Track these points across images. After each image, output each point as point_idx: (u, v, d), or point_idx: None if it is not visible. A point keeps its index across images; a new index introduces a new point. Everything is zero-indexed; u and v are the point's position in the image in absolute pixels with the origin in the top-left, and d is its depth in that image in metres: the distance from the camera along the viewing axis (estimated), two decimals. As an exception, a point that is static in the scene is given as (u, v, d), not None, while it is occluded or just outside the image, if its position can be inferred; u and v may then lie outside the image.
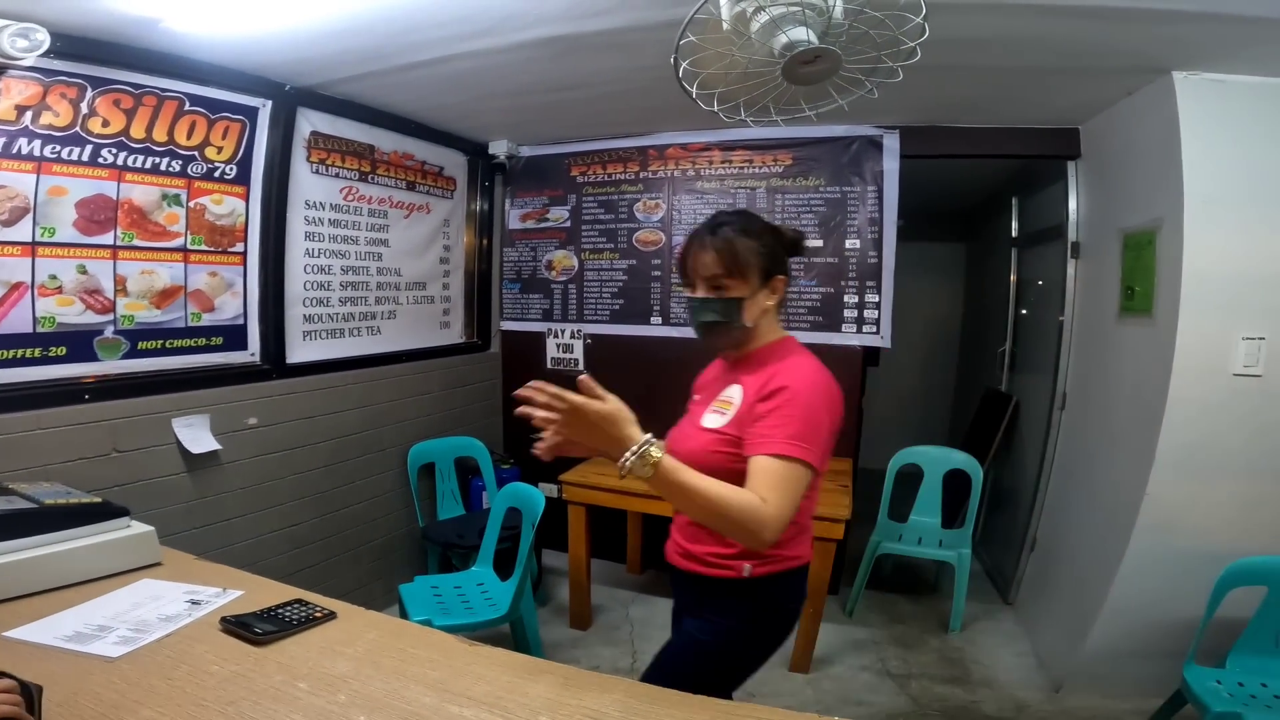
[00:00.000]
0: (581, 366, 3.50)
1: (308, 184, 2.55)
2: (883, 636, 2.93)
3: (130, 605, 1.34)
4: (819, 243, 3.04)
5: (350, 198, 2.73)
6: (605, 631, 2.96)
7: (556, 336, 3.57)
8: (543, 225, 3.55)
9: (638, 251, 3.35)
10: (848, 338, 3.06)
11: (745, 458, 1.16)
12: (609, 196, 3.39)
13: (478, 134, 3.31)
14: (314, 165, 2.57)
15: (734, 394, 1.27)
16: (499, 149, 3.35)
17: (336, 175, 2.67)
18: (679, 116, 2.92)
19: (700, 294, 1.26)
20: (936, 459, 3.16)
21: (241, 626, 1.21)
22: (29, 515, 1.39)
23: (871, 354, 3.25)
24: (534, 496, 2.40)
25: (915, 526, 3.18)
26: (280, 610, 1.28)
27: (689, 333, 3.23)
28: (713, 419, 1.27)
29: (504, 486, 2.58)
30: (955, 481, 3.15)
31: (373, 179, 2.84)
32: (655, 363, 3.30)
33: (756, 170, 3.12)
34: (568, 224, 3.48)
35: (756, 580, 1.29)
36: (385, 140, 2.87)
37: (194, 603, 1.35)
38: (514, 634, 2.40)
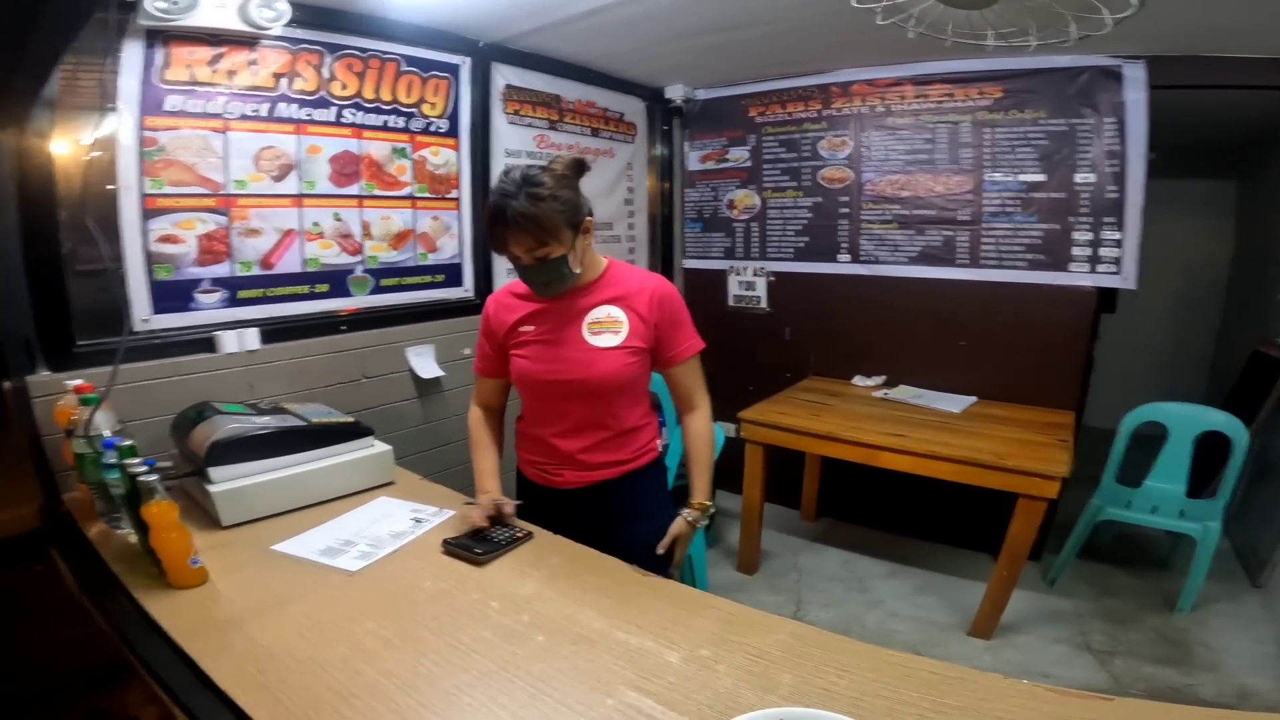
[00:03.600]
0: (765, 305, 3.49)
1: (506, 134, 2.76)
2: (1089, 609, 2.66)
3: (369, 521, 1.52)
4: (1040, 177, 2.75)
5: (543, 145, 2.93)
6: (771, 578, 2.96)
7: (739, 274, 3.56)
8: (722, 166, 3.56)
9: (823, 189, 3.25)
10: (1077, 277, 2.73)
11: (651, 362, 1.49)
12: (790, 135, 3.32)
13: (654, 79, 3.36)
14: (510, 116, 2.78)
15: (615, 313, 1.45)
16: (675, 93, 3.42)
17: (529, 125, 2.87)
18: (861, 52, 2.81)
19: (527, 263, 1.37)
20: (1187, 418, 2.72)
21: (462, 549, 1.34)
22: (301, 432, 1.62)
23: (1107, 299, 2.88)
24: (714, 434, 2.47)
25: (1150, 493, 2.77)
26: (490, 532, 1.40)
27: (882, 270, 3.18)
28: (607, 339, 1.44)
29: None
30: (1208, 446, 2.69)
31: (560, 127, 3.01)
32: (842, 300, 3.23)
33: (959, 104, 2.88)
34: (748, 164, 3.46)
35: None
36: (569, 90, 3.02)
37: (417, 520, 1.51)
38: (681, 573, 2.44)
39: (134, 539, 1.30)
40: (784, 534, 3.32)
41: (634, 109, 3.42)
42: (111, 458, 1.27)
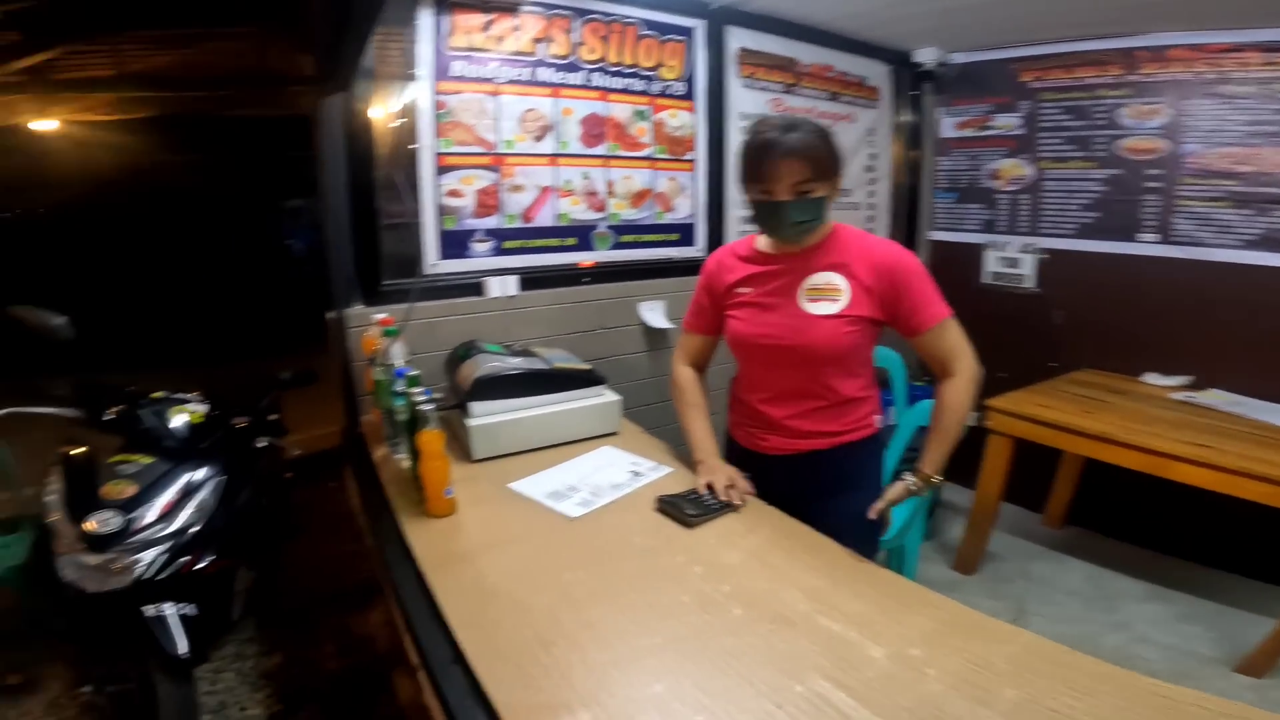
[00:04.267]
0: (1031, 284, 3.02)
1: (740, 97, 2.67)
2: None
3: (592, 469, 1.53)
4: None
5: (778, 109, 2.78)
6: (992, 582, 2.65)
7: (999, 250, 3.13)
8: (985, 133, 3.12)
9: (1124, 160, 2.69)
10: None
11: (876, 334, 1.41)
12: (1077, 102, 2.80)
13: (899, 42, 3.05)
14: (744, 80, 2.67)
15: (835, 280, 1.37)
16: (926, 57, 3.09)
17: (764, 89, 2.74)
18: (1174, 16, 2.38)
19: (784, 198, 1.30)
20: None
21: (674, 508, 1.30)
22: (546, 375, 1.69)
23: None
24: (922, 409, 2.16)
25: None
26: (701, 495, 1.36)
27: (1202, 254, 2.55)
28: (825, 306, 1.37)
29: (916, 404, 2.40)
30: None
31: (797, 91, 2.84)
32: (1139, 285, 2.70)
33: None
34: (1020, 131, 2.99)
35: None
36: (805, 53, 2.83)
37: (635, 474, 1.50)
38: (889, 560, 2.25)
39: (407, 465, 1.43)
40: (1017, 537, 2.93)
41: (877, 73, 3.12)
42: (400, 385, 1.39)
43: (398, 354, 1.53)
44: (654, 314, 2.56)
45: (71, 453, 1.75)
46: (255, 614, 2.33)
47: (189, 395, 1.93)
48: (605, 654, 0.92)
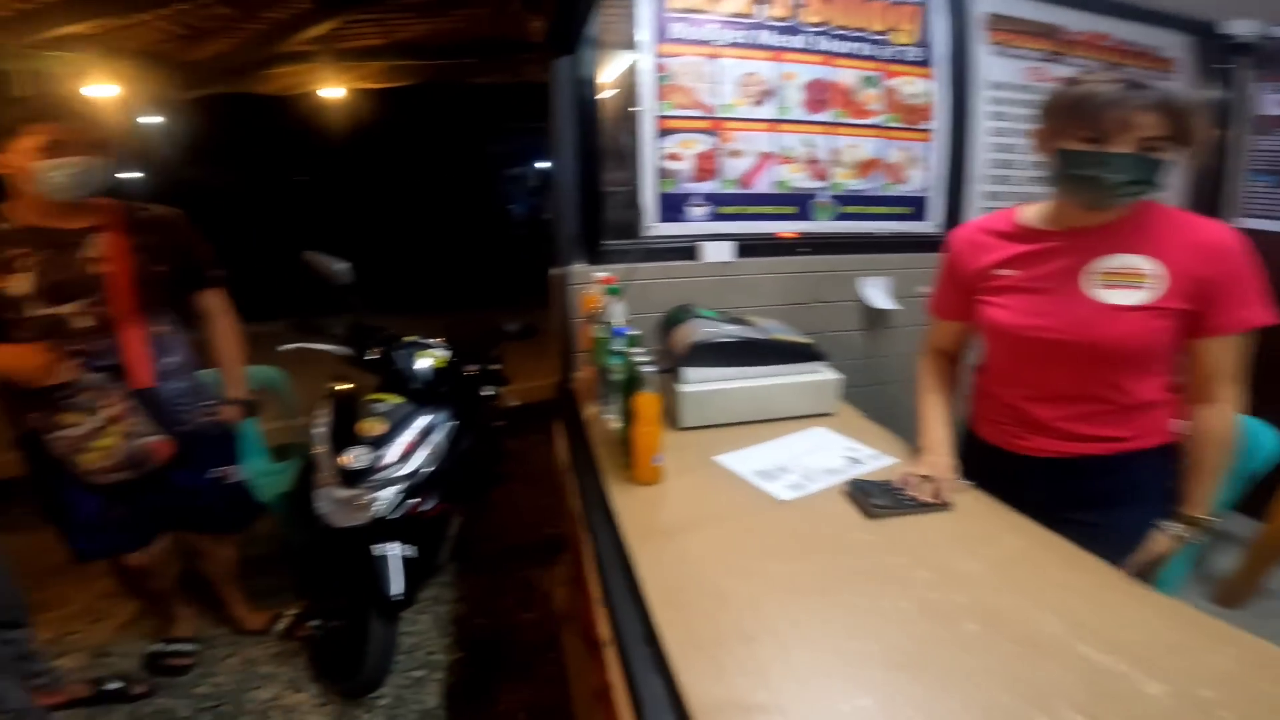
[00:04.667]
0: None
1: (989, 65, 2.37)
2: None
3: (804, 450, 1.40)
4: None
5: (1038, 79, 2.44)
6: (1259, 619, 2.25)
7: None
8: None
9: None
10: None
11: (1181, 326, 1.13)
12: None
13: (1200, 11, 2.67)
14: (995, 46, 2.37)
15: (1141, 264, 1.12)
16: (1242, 28, 2.67)
17: (1019, 56, 2.41)
18: None
19: (1120, 150, 1.05)
20: None
21: (861, 492, 1.15)
22: (762, 345, 1.58)
23: None
24: (1259, 439, 1.82)
25: None
26: (899, 489, 1.17)
27: None
28: (1126, 294, 1.12)
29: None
30: None
31: (1062, 60, 2.47)
32: None
33: None
34: None
35: None
36: (1073, 19, 2.47)
37: (853, 460, 1.34)
38: None
39: (616, 426, 1.39)
40: None
41: (1171, 43, 2.64)
42: (619, 345, 1.36)
43: (619, 313, 1.52)
44: (876, 291, 2.33)
45: (340, 388, 1.99)
46: (457, 559, 2.46)
47: (434, 340, 2.10)
48: (809, 656, 0.82)
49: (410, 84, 5.19)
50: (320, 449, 1.80)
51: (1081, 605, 0.91)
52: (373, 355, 1.95)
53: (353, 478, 1.71)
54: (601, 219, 2.04)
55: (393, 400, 1.90)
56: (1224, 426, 1.16)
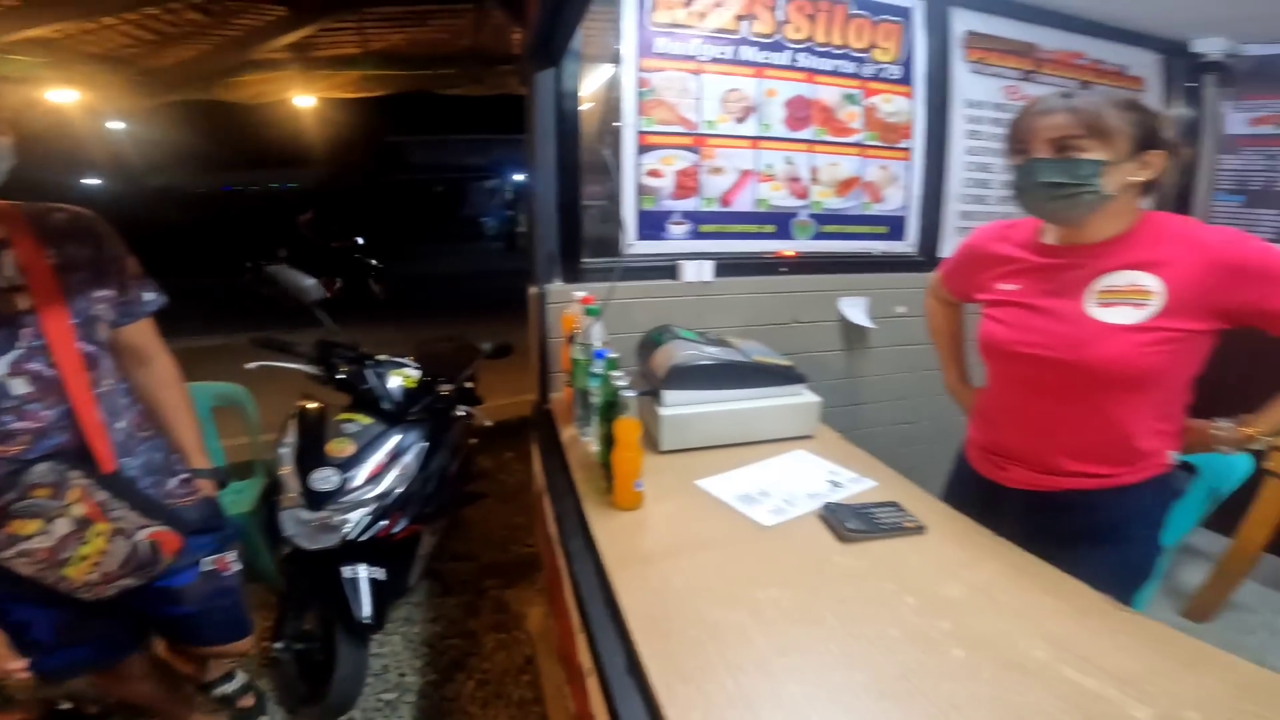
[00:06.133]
0: None
1: (967, 83, 2.40)
2: None
3: (785, 473, 1.39)
4: None
5: (1014, 97, 2.47)
6: (1226, 633, 2.35)
7: None
8: None
9: None
10: None
11: (1202, 351, 1.09)
12: None
13: (1170, 30, 2.70)
14: (972, 64, 2.40)
15: (1144, 281, 1.07)
16: (1210, 46, 2.72)
17: (996, 75, 2.45)
18: None
19: (1043, 155, 1.06)
20: None
21: (836, 516, 1.14)
22: (743, 367, 1.57)
23: None
24: (1231, 462, 1.84)
25: None
26: (874, 510, 1.17)
27: None
28: (1123, 313, 1.07)
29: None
30: None
31: (1037, 78, 2.51)
32: None
33: None
34: None
35: None
36: (1048, 38, 2.51)
37: (834, 484, 1.34)
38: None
39: (595, 449, 1.36)
40: (1268, 588, 2.55)
41: (1142, 62, 2.70)
42: (599, 367, 1.33)
43: (598, 334, 1.49)
44: (855, 310, 2.33)
45: (308, 407, 1.92)
46: (429, 579, 2.45)
47: (405, 360, 2.06)
48: (797, 688, 0.81)
49: (387, 94, 5.12)
50: (286, 469, 1.74)
51: (1065, 630, 0.92)
52: (342, 374, 1.90)
53: (320, 499, 1.66)
54: (581, 236, 2.01)
55: (362, 420, 1.86)
56: None
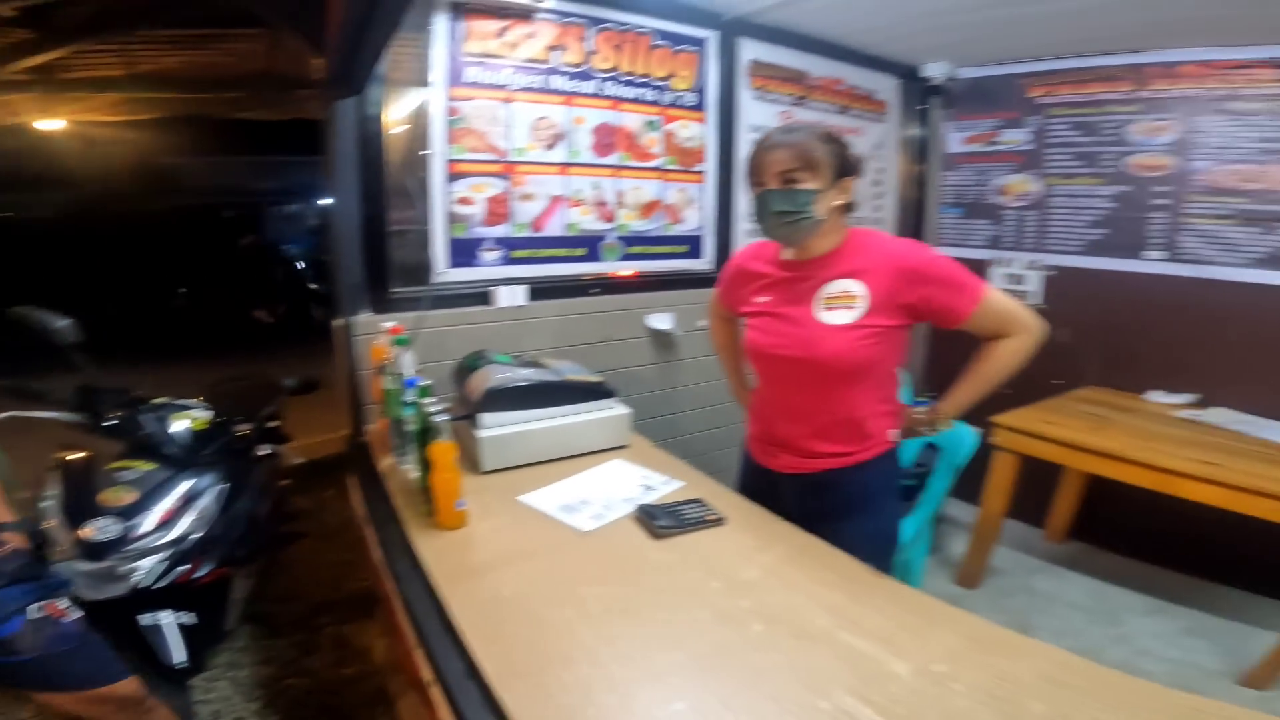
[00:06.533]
0: (1039, 301, 2.99)
1: (750, 109, 2.64)
2: None
3: (603, 482, 1.50)
4: None
5: (787, 121, 2.73)
6: (994, 597, 2.64)
7: (1004, 266, 3.12)
8: (993, 149, 3.10)
9: (1132, 177, 2.68)
10: None
11: (902, 342, 1.34)
12: (1086, 118, 2.80)
13: (908, 56, 3.04)
14: (755, 91, 2.64)
15: (853, 288, 1.30)
16: (935, 71, 3.06)
17: (774, 101, 2.71)
18: (1186, 32, 2.42)
19: (773, 187, 1.27)
20: None
21: (648, 516, 1.29)
22: (557, 387, 1.65)
23: None
24: (961, 437, 2.14)
25: None
26: (681, 507, 1.33)
27: (1210, 273, 2.54)
28: (841, 315, 1.30)
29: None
30: None
31: (806, 104, 2.81)
32: (1144, 303, 2.71)
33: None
34: (1028, 146, 2.98)
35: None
36: (816, 66, 2.79)
37: (647, 488, 1.47)
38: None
39: (415, 475, 1.39)
40: (1020, 552, 2.93)
41: (885, 86, 3.10)
42: (411, 396, 1.35)
43: (408, 364, 1.50)
44: (662, 324, 2.52)
45: (69, 458, 1.72)
46: (251, 622, 2.30)
47: (191, 402, 1.90)
48: (626, 671, 0.90)
49: (156, 117, 4.64)
50: (52, 522, 1.56)
51: (838, 599, 1.07)
52: (111, 420, 1.72)
53: (100, 550, 1.52)
54: (388, 266, 1.98)
55: (143, 466, 1.70)
56: (1005, 348, 1.33)
